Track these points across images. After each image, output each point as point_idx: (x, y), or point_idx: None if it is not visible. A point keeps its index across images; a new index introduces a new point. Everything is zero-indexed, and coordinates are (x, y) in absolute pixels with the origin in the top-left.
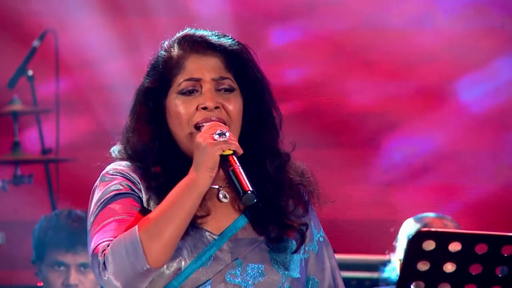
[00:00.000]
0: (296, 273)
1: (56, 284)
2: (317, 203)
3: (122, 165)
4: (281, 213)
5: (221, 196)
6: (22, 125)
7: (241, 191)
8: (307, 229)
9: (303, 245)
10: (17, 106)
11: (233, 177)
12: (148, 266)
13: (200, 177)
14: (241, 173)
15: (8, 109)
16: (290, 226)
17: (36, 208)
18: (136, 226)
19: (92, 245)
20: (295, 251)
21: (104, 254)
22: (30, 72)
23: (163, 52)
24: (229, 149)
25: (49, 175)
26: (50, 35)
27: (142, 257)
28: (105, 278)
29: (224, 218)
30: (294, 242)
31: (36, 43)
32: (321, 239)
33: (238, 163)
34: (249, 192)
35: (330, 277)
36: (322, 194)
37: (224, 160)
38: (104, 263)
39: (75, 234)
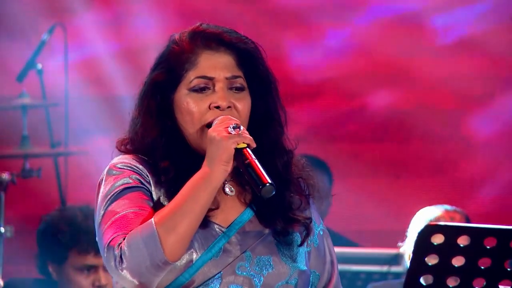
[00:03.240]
0: (303, 266)
1: (85, 286)
2: (317, 196)
3: (129, 158)
4: (287, 208)
5: (227, 189)
6: (31, 119)
7: (260, 184)
8: (310, 222)
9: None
10: (26, 100)
11: (250, 170)
12: (165, 259)
13: (214, 171)
14: (257, 165)
15: (17, 103)
16: (295, 220)
17: (45, 202)
18: (152, 220)
19: (106, 238)
20: (301, 245)
21: (121, 248)
22: (39, 66)
23: (174, 45)
24: (244, 142)
25: (58, 169)
26: (59, 29)
27: (160, 250)
28: (121, 272)
29: (231, 211)
30: (299, 235)
31: (45, 36)
32: (321, 232)
33: (253, 156)
34: (268, 184)
35: (329, 270)
36: (322, 187)
37: (238, 154)
38: (120, 256)
39: None
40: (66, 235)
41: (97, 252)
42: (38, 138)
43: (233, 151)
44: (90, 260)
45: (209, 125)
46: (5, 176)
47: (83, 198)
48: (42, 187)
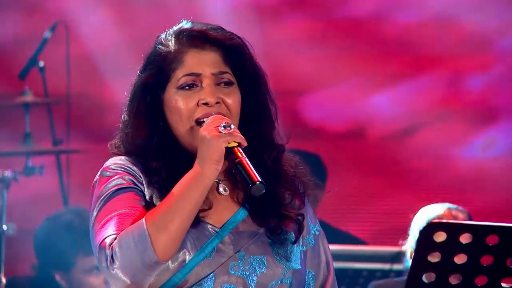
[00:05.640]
0: (297, 265)
1: (97, 285)
2: (312, 194)
3: (122, 159)
4: (279, 204)
5: (221, 189)
6: (33, 116)
7: (250, 182)
8: (303, 218)
9: (302, 237)
10: (28, 97)
11: (241, 169)
12: (156, 259)
13: (206, 170)
14: (248, 164)
15: (19, 100)
16: (288, 217)
17: (47, 200)
18: (143, 219)
19: (98, 239)
20: (295, 242)
21: (112, 247)
22: (41, 63)
23: (160, 46)
24: (234, 141)
25: (60, 166)
26: (61, 27)
27: (151, 249)
28: (113, 272)
29: (224, 211)
30: (293, 234)
31: (47, 34)
32: (317, 232)
33: (243, 155)
34: (258, 182)
35: (325, 271)
36: (316, 185)
37: (229, 152)
38: (112, 256)
39: None
40: (68, 242)
41: None
42: (40, 136)
43: (223, 150)
44: None
45: (198, 122)
46: (8, 173)
47: (85, 196)
48: (44, 185)
